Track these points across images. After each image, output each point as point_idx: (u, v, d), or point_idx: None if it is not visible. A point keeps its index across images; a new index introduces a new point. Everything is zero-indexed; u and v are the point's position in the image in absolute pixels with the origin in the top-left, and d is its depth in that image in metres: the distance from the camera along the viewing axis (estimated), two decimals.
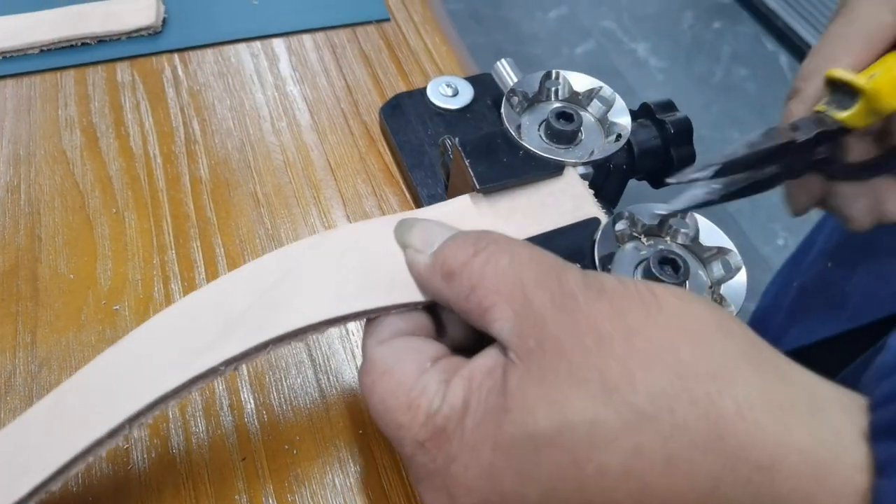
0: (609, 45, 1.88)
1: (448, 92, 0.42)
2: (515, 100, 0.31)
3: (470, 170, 0.28)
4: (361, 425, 0.31)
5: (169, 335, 0.23)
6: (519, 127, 0.31)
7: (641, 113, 0.34)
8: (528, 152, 0.29)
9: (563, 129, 0.30)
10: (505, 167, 0.28)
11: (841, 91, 0.29)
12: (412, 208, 0.39)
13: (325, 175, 0.40)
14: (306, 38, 0.48)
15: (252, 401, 0.31)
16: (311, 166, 0.40)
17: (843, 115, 0.29)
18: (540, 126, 0.31)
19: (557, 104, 0.32)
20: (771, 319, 0.77)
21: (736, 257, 0.26)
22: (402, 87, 0.45)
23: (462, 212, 0.28)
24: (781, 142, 0.28)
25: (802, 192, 0.32)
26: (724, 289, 0.26)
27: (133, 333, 0.24)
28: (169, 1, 0.49)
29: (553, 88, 0.32)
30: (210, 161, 0.40)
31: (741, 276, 0.26)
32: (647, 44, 1.87)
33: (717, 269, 0.26)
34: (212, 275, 0.35)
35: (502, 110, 0.30)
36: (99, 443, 0.22)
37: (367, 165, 0.41)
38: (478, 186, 0.27)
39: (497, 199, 0.28)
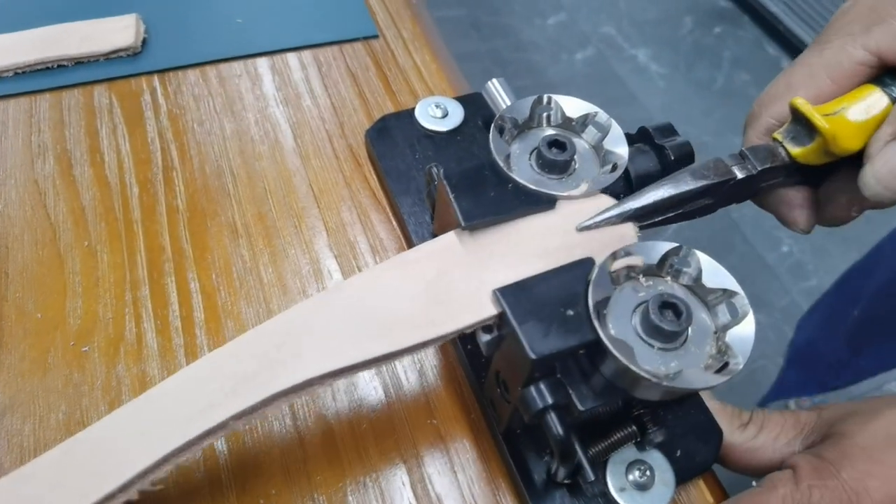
0: (609, 51, 1.86)
1: (437, 113, 0.40)
2: (505, 127, 0.29)
3: (455, 205, 0.26)
4: (341, 478, 0.29)
5: (179, 395, 0.24)
6: (508, 157, 0.29)
7: (639, 137, 0.32)
8: (517, 185, 0.27)
9: (556, 158, 0.28)
10: (492, 202, 0.26)
11: (801, 122, 0.28)
12: (400, 237, 0.37)
13: (308, 202, 0.38)
14: (291, 56, 0.46)
15: (226, 450, 0.29)
16: (294, 193, 0.38)
17: (796, 150, 0.28)
18: (531, 155, 0.29)
19: (550, 131, 0.30)
20: (824, 347, 0.75)
21: (743, 301, 0.24)
22: (390, 108, 0.43)
23: (448, 251, 0.26)
24: (714, 181, 0.28)
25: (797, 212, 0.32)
26: (729, 336, 0.24)
27: (145, 395, 0.24)
28: (150, 20, 0.47)
29: (545, 114, 0.30)
30: (188, 189, 0.38)
31: (748, 323, 0.24)
32: (647, 50, 1.85)
33: (723, 313, 0.24)
34: (186, 312, 0.33)
35: (490, 138, 0.28)
36: (111, 496, 0.22)
37: (352, 191, 0.39)
38: (463, 223, 0.25)
39: (485, 236, 0.26)
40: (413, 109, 0.40)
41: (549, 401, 0.24)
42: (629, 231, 0.27)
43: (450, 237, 0.26)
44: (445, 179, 0.26)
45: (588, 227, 0.26)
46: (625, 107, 1.72)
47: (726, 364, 0.23)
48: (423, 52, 0.47)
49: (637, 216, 0.27)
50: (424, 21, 0.51)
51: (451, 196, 0.26)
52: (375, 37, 0.48)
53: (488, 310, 0.24)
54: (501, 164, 0.27)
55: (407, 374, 0.32)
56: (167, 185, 0.39)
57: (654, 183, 0.27)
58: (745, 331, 0.23)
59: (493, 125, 0.29)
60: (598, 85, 1.77)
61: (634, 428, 0.28)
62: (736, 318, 0.24)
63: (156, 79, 0.44)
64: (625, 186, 0.31)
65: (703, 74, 1.77)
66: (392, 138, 0.39)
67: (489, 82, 0.40)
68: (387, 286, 0.25)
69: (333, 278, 0.35)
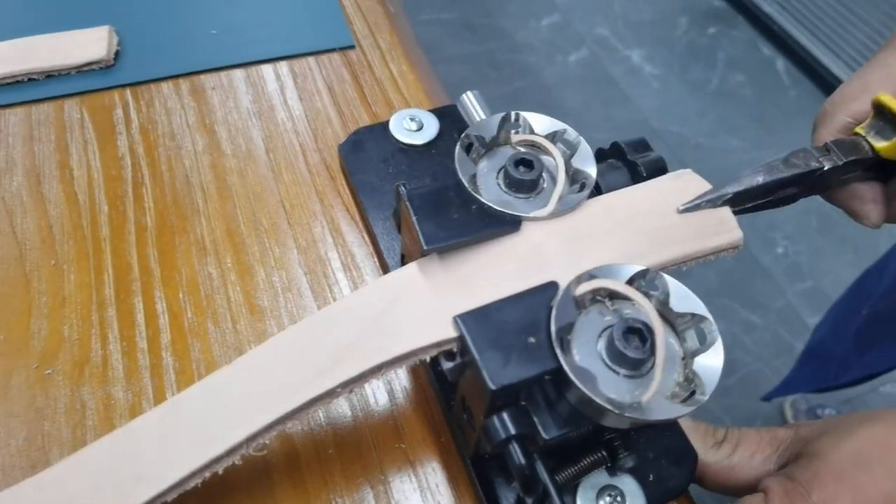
0: (603, 52, 1.86)
1: (412, 126, 0.39)
2: (471, 145, 0.28)
3: (417, 227, 0.25)
4: None
5: (286, 359, 0.24)
6: (475, 176, 0.28)
7: (612, 152, 0.32)
8: (482, 206, 0.26)
9: (523, 177, 0.27)
10: (456, 224, 0.26)
11: (884, 118, 0.29)
12: (372, 254, 0.36)
13: (279, 218, 0.37)
14: (266, 68, 0.45)
15: None
16: (264, 209, 0.38)
17: (881, 144, 0.29)
18: (498, 174, 0.29)
19: (518, 148, 0.30)
20: (834, 348, 0.76)
21: (711, 326, 0.23)
22: (365, 120, 0.43)
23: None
24: (805, 170, 0.29)
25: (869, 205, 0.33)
26: (697, 363, 0.23)
27: (247, 356, 0.25)
28: (123, 32, 0.46)
29: (513, 131, 0.29)
30: (157, 206, 0.38)
31: (717, 351, 0.23)
32: (641, 51, 1.84)
33: (692, 339, 0.24)
34: (153, 332, 0.33)
35: (455, 158, 0.28)
36: (217, 460, 0.23)
37: (324, 207, 0.38)
38: (424, 247, 0.25)
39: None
40: (388, 122, 0.39)
41: (512, 431, 0.23)
42: (727, 215, 0.27)
43: (414, 265, 0.25)
44: (408, 200, 0.26)
45: (689, 209, 0.27)
46: (619, 108, 1.71)
47: (693, 393, 0.22)
48: (400, 63, 0.46)
49: (733, 200, 0.28)
50: (404, 30, 0.50)
51: (414, 218, 0.25)
52: (352, 47, 0.47)
53: (446, 332, 0.23)
54: (467, 184, 0.27)
55: (376, 395, 0.31)
56: (137, 201, 0.38)
57: (749, 170, 0.28)
58: (713, 358, 0.23)
59: (458, 144, 0.28)
60: (592, 86, 1.77)
61: (604, 453, 0.27)
62: (704, 344, 0.23)
63: (128, 92, 0.43)
64: None
65: (697, 75, 1.76)
66: (365, 152, 0.39)
67: (464, 95, 0.39)
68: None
69: (303, 297, 0.34)
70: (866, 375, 0.68)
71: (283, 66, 0.46)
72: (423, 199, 0.26)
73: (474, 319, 0.23)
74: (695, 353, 0.23)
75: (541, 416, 0.24)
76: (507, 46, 1.89)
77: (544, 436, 0.23)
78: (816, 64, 1.67)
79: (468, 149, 0.28)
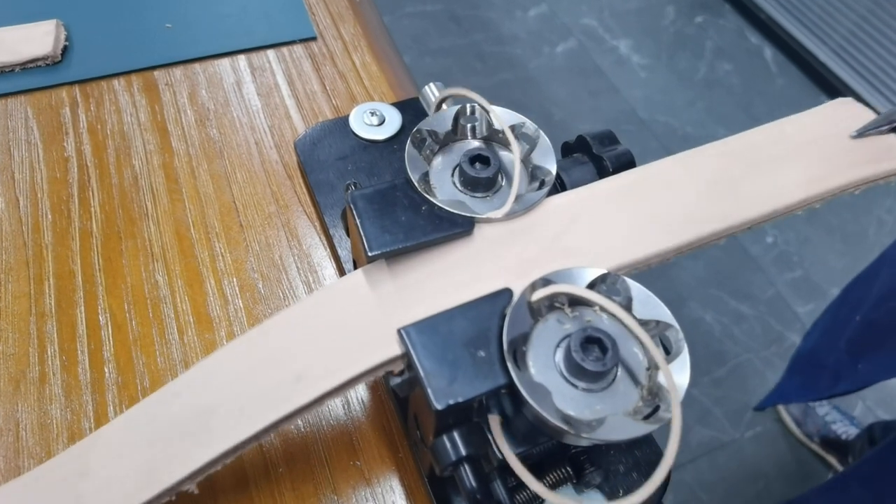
0: (590, 43, 1.83)
1: (373, 121, 0.37)
2: (424, 142, 0.27)
3: (361, 232, 0.23)
4: None
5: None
6: (426, 174, 0.26)
7: (578, 146, 0.30)
8: (432, 207, 0.24)
9: (478, 175, 0.25)
10: (404, 227, 0.24)
11: None
12: (330, 257, 0.34)
13: (231, 221, 0.35)
14: (224, 62, 0.43)
15: None
16: (216, 211, 0.36)
17: None
18: (454, 171, 0.27)
19: (476, 143, 0.28)
20: (825, 357, 0.75)
21: (678, 334, 0.22)
22: (326, 115, 0.41)
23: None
24: None
25: None
26: (663, 374, 0.21)
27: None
28: (72, 26, 0.44)
29: (469, 125, 0.28)
30: (104, 209, 0.36)
31: (684, 361, 0.21)
32: (628, 41, 1.82)
33: (658, 347, 0.22)
34: (95, 345, 0.31)
35: (405, 155, 0.26)
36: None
37: (280, 208, 0.36)
38: (368, 253, 0.23)
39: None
40: (347, 117, 0.37)
41: (463, 452, 0.21)
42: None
43: (357, 274, 0.24)
44: (353, 203, 0.24)
45: (861, 134, 0.27)
46: (606, 99, 1.69)
47: (657, 408, 0.21)
48: (363, 54, 0.44)
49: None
50: (369, 20, 0.48)
51: (357, 222, 0.23)
52: (314, 38, 0.45)
53: (392, 350, 0.22)
54: (417, 183, 0.25)
55: (330, 407, 0.29)
56: (82, 205, 0.36)
57: None
58: (679, 370, 0.21)
59: (409, 140, 0.26)
60: (579, 77, 1.74)
61: (569, 470, 0.25)
62: (670, 353, 0.22)
63: (77, 90, 0.41)
64: None
65: (684, 65, 1.74)
66: (324, 149, 0.37)
67: (426, 87, 0.37)
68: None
69: (257, 304, 0.32)
70: (860, 385, 0.67)
71: (240, 60, 0.44)
72: (368, 202, 0.24)
73: (420, 332, 0.21)
74: (661, 365, 0.22)
75: (495, 431, 0.22)
76: (493, 38, 1.86)
77: (500, 455, 0.22)
78: (804, 51, 1.65)
79: (421, 145, 0.27)
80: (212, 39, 0.44)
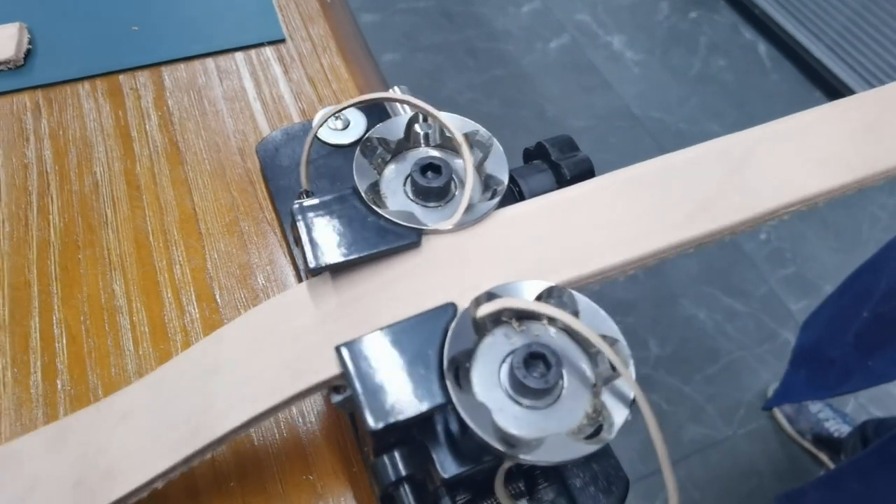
0: (583, 39, 1.82)
1: (337, 125, 0.37)
2: (374, 150, 0.26)
3: (304, 245, 0.23)
4: None
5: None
6: (376, 184, 0.25)
7: (537, 152, 0.29)
8: (378, 218, 0.24)
9: (429, 184, 0.25)
10: (349, 240, 0.23)
11: None
12: (292, 269, 0.34)
13: (190, 229, 0.35)
14: (190, 65, 0.43)
15: None
16: (176, 219, 0.35)
17: None
18: (406, 180, 0.26)
19: (431, 150, 0.27)
20: (831, 351, 0.73)
21: (625, 350, 0.21)
22: (293, 119, 0.40)
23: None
24: None
25: None
26: (608, 392, 0.21)
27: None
28: (35, 29, 0.43)
29: (423, 133, 0.27)
30: (63, 218, 0.35)
31: (629, 379, 0.21)
32: (622, 36, 1.81)
33: (604, 363, 0.21)
34: (48, 358, 0.30)
35: (354, 164, 0.25)
36: None
37: (241, 216, 0.35)
38: (311, 265, 0.22)
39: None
40: (311, 121, 0.37)
41: (402, 472, 0.21)
42: None
43: (303, 287, 0.23)
44: (297, 214, 0.23)
45: None
46: (599, 95, 1.68)
47: (600, 427, 0.20)
48: (332, 56, 0.43)
49: None
50: (340, 21, 0.47)
51: (302, 234, 0.23)
52: (282, 41, 0.44)
53: (331, 369, 0.21)
54: (365, 192, 0.24)
55: (284, 421, 0.29)
56: (41, 213, 0.35)
57: None
58: (624, 388, 0.20)
59: (358, 149, 0.25)
60: (572, 73, 1.73)
61: (521, 486, 0.25)
62: (615, 370, 0.21)
63: (39, 94, 0.41)
64: None
65: (678, 61, 1.73)
66: (286, 154, 0.36)
67: (391, 90, 0.37)
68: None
69: (214, 315, 0.32)
70: (873, 383, 0.66)
71: (208, 63, 0.43)
72: (313, 213, 0.23)
73: (358, 350, 0.21)
74: (608, 380, 0.21)
75: (439, 451, 0.21)
76: (486, 34, 1.85)
77: (443, 475, 0.21)
78: (798, 47, 1.64)
79: (371, 154, 0.26)
80: (179, 42, 0.44)
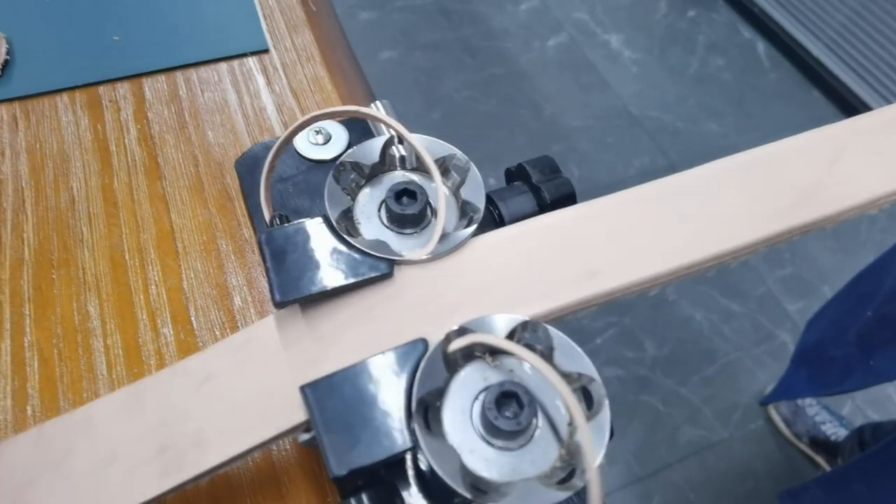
0: (581, 37, 1.81)
1: (318, 139, 0.36)
2: (347, 176, 0.25)
3: (269, 277, 0.22)
4: None
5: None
6: (348, 211, 0.25)
7: (518, 174, 0.29)
8: (350, 248, 0.23)
9: (404, 212, 0.24)
10: (317, 272, 0.22)
11: None
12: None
13: (168, 248, 0.34)
14: (170, 76, 0.42)
15: None
16: (153, 237, 0.34)
17: None
18: (381, 206, 0.25)
19: (408, 174, 0.27)
20: (833, 350, 0.73)
21: (600, 389, 0.20)
22: (276, 132, 0.39)
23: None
24: None
25: None
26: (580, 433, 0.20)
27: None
28: (14, 39, 0.42)
29: (398, 156, 0.26)
30: (38, 235, 0.34)
31: (604, 420, 0.20)
32: (620, 35, 1.80)
33: (581, 403, 0.21)
34: (19, 383, 0.30)
35: (325, 191, 0.24)
36: None
37: (220, 234, 0.35)
38: (276, 299, 0.22)
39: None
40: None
41: None
42: None
43: (269, 321, 0.22)
44: (262, 245, 0.23)
45: None
46: (597, 94, 1.67)
47: (573, 472, 0.19)
48: (317, 67, 0.42)
49: None
50: (327, 30, 0.46)
51: (267, 266, 0.22)
52: (266, 51, 0.43)
53: (298, 415, 0.20)
54: (336, 221, 0.24)
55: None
56: (15, 230, 0.35)
57: None
58: (598, 430, 0.20)
59: (330, 174, 0.25)
60: (570, 72, 1.72)
61: None
62: (591, 409, 0.20)
63: (17, 107, 0.40)
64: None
65: (676, 60, 1.72)
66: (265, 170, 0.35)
67: (373, 104, 0.36)
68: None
69: (189, 337, 0.31)
70: (873, 382, 0.66)
71: (190, 74, 0.42)
72: (279, 243, 0.23)
73: (322, 390, 0.20)
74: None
75: (409, 492, 0.21)
76: (484, 32, 1.84)
77: None
78: (797, 46, 1.63)
79: (344, 179, 0.25)
80: (160, 53, 0.43)
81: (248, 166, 0.35)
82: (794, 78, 1.66)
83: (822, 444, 1.15)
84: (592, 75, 1.71)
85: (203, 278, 0.33)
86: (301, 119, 0.25)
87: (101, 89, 0.41)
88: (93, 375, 0.30)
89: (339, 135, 0.36)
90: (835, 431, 1.13)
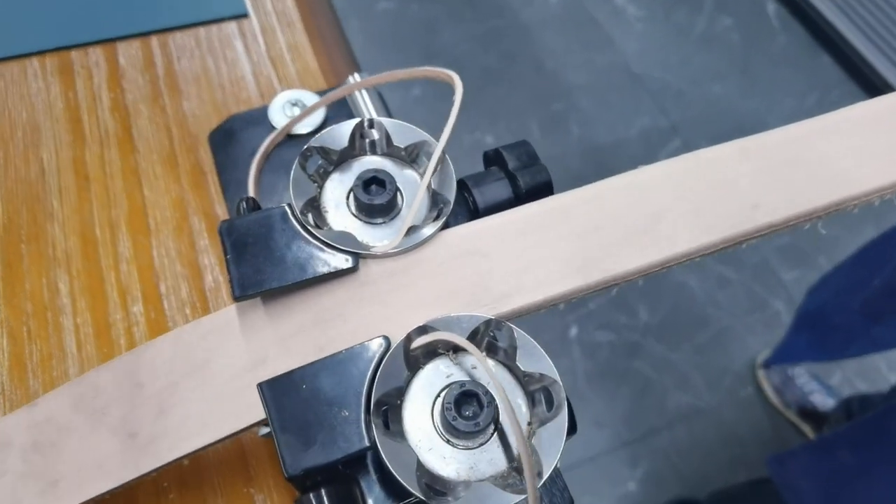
0: None
1: (294, 112, 0.35)
2: (315, 162, 0.24)
3: (229, 269, 0.21)
4: None
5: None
6: (314, 200, 0.24)
7: (496, 159, 0.28)
8: (313, 241, 0.22)
9: (372, 202, 0.23)
10: (279, 265, 0.22)
11: None
12: None
13: (140, 225, 0.33)
14: (147, 41, 0.40)
15: None
16: (123, 213, 0.34)
17: None
18: (349, 194, 0.25)
19: (378, 158, 0.26)
20: (836, 317, 0.74)
21: (560, 393, 0.20)
22: (253, 103, 0.38)
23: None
24: None
25: None
26: (540, 435, 0.20)
27: None
28: None
29: (368, 140, 0.25)
30: (7, 210, 0.34)
31: (560, 423, 0.20)
32: None
33: (540, 403, 0.20)
34: None
35: (290, 179, 0.24)
36: None
37: (193, 210, 0.34)
38: (235, 294, 0.21)
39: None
40: (267, 107, 0.35)
41: None
42: None
43: (230, 312, 0.22)
44: (225, 235, 0.22)
45: None
46: (600, 51, 1.63)
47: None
48: (297, 34, 0.41)
49: None
50: None
51: (227, 257, 0.22)
52: (245, 16, 0.42)
53: (257, 412, 0.20)
54: (300, 211, 0.23)
55: None
56: None
57: None
58: (555, 433, 0.20)
59: (296, 161, 0.24)
60: (572, 28, 1.68)
61: None
62: (551, 411, 0.20)
63: None
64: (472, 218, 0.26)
65: (683, 18, 1.67)
66: (239, 143, 0.34)
67: (351, 76, 0.35)
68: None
69: (159, 316, 0.31)
70: (874, 350, 0.67)
71: (167, 39, 0.41)
72: (240, 234, 0.22)
73: (279, 388, 0.20)
74: (543, 421, 0.20)
75: (370, 485, 0.21)
76: None
77: None
78: (809, 7, 1.58)
79: (311, 166, 0.24)
80: (136, 16, 0.41)
81: (222, 140, 0.34)
82: (804, 42, 1.62)
83: (810, 414, 1.16)
84: (596, 32, 1.67)
85: (175, 256, 0.32)
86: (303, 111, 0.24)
87: (73, 54, 0.39)
88: (62, 354, 0.30)
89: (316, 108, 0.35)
90: (823, 401, 1.15)
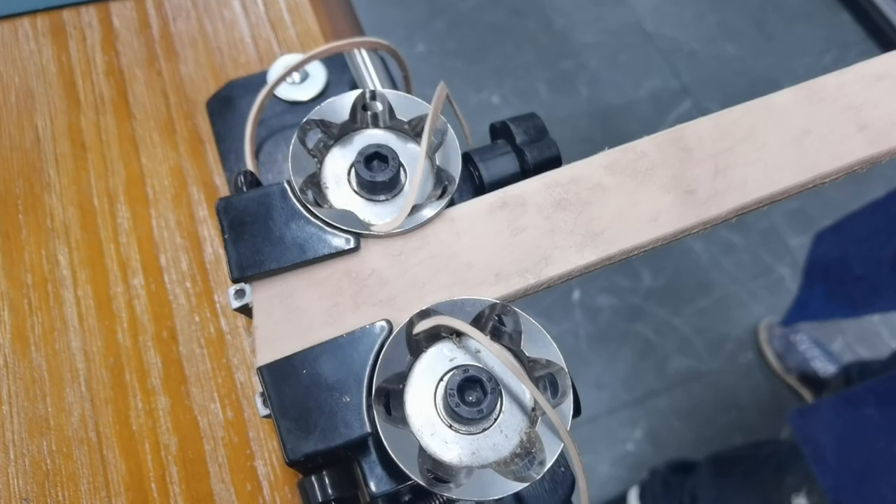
0: None
1: (295, 78, 0.34)
2: (314, 136, 0.24)
3: (227, 250, 0.21)
4: None
5: None
6: (314, 176, 0.23)
7: (503, 131, 0.27)
8: (314, 219, 0.22)
9: (374, 179, 0.23)
10: (278, 245, 0.21)
11: None
12: None
13: (139, 194, 0.33)
14: (130, 3, 0.39)
15: None
16: (121, 182, 0.33)
17: None
18: (351, 169, 0.24)
19: (380, 132, 0.25)
20: (860, 267, 0.68)
21: (566, 380, 0.20)
22: (252, 68, 0.37)
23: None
24: None
25: None
26: (541, 424, 0.20)
27: None
28: None
29: (370, 113, 0.24)
30: (3, 178, 0.33)
31: (566, 409, 0.19)
32: None
33: (545, 388, 0.20)
34: None
35: (289, 154, 0.23)
36: None
37: (192, 179, 0.33)
38: (233, 275, 0.21)
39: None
40: (266, 73, 0.34)
41: (330, 494, 0.20)
42: None
43: (230, 292, 0.21)
44: (221, 213, 0.21)
45: None
46: (611, 7, 1.58)
47: (533, 459, 0.19)
48: None
49: None
50: None
51: (225, 237, 0.21)
52: None
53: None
54: (300, 188, 0.22)
55: (227, 406, 0.28)
56: None
57: None
58: (561, 416, 0.19)
59: (295, 135, 0.23)
60: None
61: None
62: (556, 397, 0.20)
63: None
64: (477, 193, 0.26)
65: None
66: (238, 110, 0.33)
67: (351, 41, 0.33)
68: None
69: (159, 289, 0.30)
70: None
71: (150, 3, 0.39)
72: (237, 212, 0.21)
73: (279, 373, 0.20)
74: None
75: (371, 467, 0.21)
76: None
77: (374, 490, 0.20)
78: None
79: (311, 140, 0.23)
80: None
81: (220, 108, 0.33)
82: None
83: (810, 379, 1.17)
84: None
85: (174, 227, 0.32)
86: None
87: (66, 14, 0.38)
88: (64, 326, 0.30)
89: (317, 73, 0.34)
90: (823, 367, 1.15)
